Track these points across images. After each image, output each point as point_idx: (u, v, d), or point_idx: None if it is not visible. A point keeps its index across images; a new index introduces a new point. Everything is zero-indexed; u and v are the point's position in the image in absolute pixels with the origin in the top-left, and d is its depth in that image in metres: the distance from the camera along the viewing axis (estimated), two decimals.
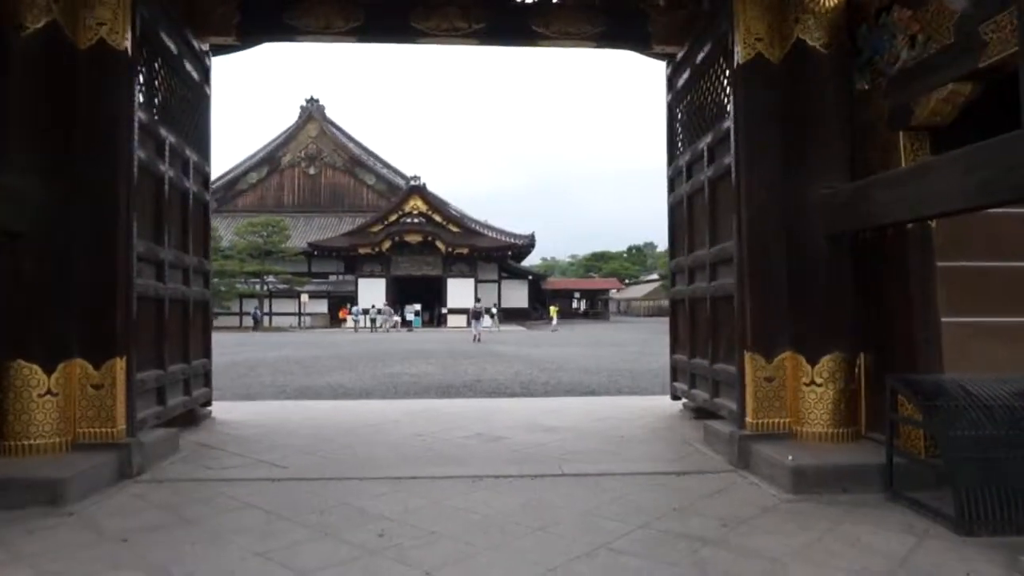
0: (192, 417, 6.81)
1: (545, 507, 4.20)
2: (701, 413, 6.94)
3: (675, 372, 7.57)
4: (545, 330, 38.63)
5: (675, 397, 7.60)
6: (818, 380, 5.01)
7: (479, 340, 26.80)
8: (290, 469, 5.14)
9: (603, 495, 4.44)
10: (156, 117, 5.81)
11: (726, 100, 5.80)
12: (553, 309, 45.93)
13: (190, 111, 6.71)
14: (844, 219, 4.91)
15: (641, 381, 11.78)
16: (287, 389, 10.92)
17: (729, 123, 5.57)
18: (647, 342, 24.80)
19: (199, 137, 6.98)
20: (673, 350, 7.60)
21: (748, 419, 5.21)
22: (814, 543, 3.56)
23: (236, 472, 5.05)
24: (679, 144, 7.38)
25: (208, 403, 7.23)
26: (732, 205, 5.55)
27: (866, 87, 5.09)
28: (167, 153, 5.92)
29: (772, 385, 5.19)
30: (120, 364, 4.95)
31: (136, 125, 5.21)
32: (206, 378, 7.14)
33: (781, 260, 5.26)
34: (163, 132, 5.86)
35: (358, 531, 3.75)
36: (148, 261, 5.53)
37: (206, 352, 7.12)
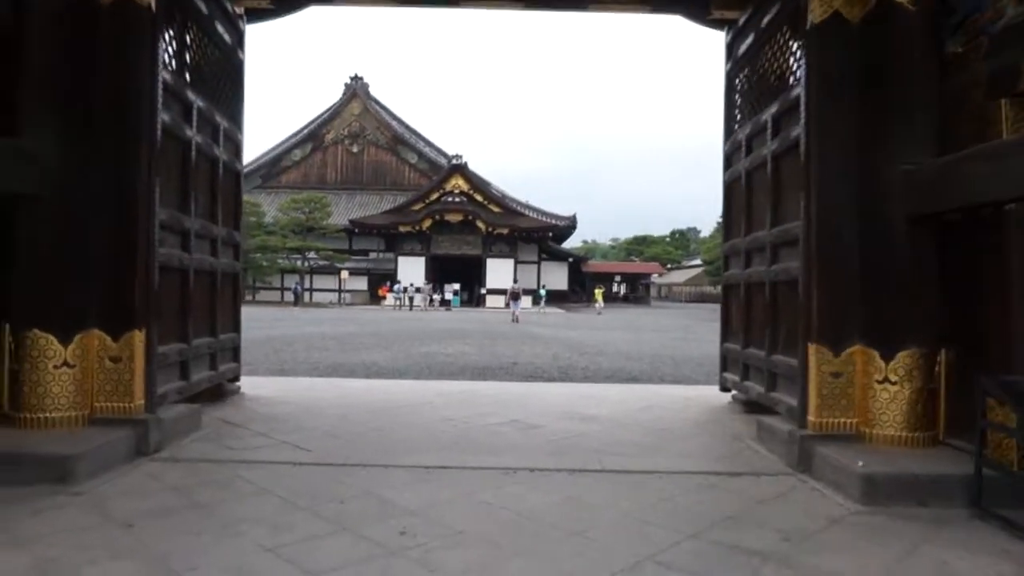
0: (219, 392, 6.62)
1: (584, 507, 3.82)
2: (753, 407, 6.47)
3: (725, 362, 7.09)
4: (585, 313, 38.17)
5: (724, 389, 7.12)
6: (892, 377, 4.49)
7: (517, 320, 27.00)
8: (314, 452, 4.87)
9: (648, 496, 4.04)
10: (184, 79, 5.54)
11: (796, 66, 5.25)
12: (598, 292, 45.40)
13: (222, 76, 6.43)
14: (930, 198, 4.36)
15: (684, 369, 11.28)
16: (320, 366, 10.75)
17: (799, 91, 5.03)
18: (689, 328, 24.15)
19: (231, 104, 6.72)
20: (724, 338, 7.11)
21: (810, 417, 4.72)
22: (893, 566, 3.10)
23: (257, 453, 4.80)
24: (738, 117, 6.84)
25: (236, 378, 7.04)
26: (799, 182, 5.03)
27: (959, 50, 4.50)
28: (195, 118, 5.64)
29: (839, 381, 4.69)
30: (139, 337, 4.71)
31: (160, 86, 4.93)
32: (235, 353, 6.94)
33: (854, 243, 4.73)
34: (191, 95, 5.59)
35: (379, 526, 3.43)
36: (172, 230, 5.29)
37: (235, 326, 6.92)
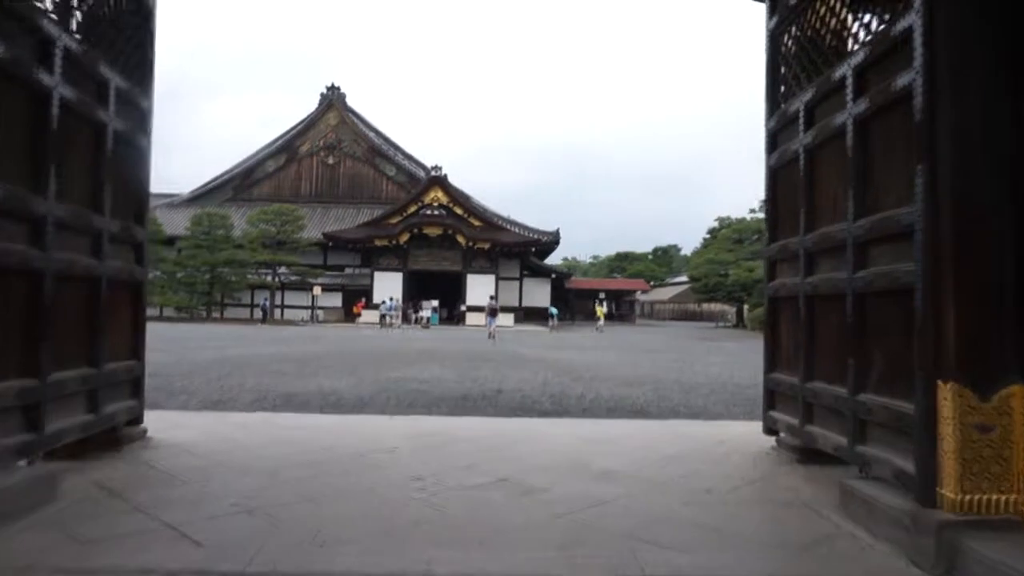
0: (114, 439, 4.97)
1: None
2: (808, 455, 4.98)
3: (772, 397, 5.55)
4: (571, 331, 36.70)
5: (771, 431, 5.57)
6: None
7: (493, 338, 26.05)
8: (205, 548, 3.21)
9: None
10: (40, 7, 3.93)
11: None
12: (600, 309, 44.44)
13: (118, 24, 4.83)
14: None
15: (696, 398, 9.74)
16: (269, 396, 9.05)
17: (911, 19, 3.54)
18: (685, 349, 22.71)
19: (133, 60, 5.12)
20: (770, 367, 5.58)
21: (946, 492, 3.19)
22: None
23: (111, 553, 3.14)
24: (787, 84, 5.37)
25: (137, 420, 5.35)
26: (908, 150, 3.55)
27: None
28: (58, 59, 4.02)
29: (989, 438, 3.17)
30: None
31: None
32: (133, 387, 5.28)
33: (1007, 234, 3.24)
34: (50, 29, 3.97)
35: None
36: (8, 215, 3.64)
37: (134, 352, 5.26)
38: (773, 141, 5.59)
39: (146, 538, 3.32)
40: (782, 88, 5.49)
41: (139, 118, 5.23)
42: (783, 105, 5.38)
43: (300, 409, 8.00)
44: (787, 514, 3.99)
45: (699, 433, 6.53)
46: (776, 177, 5.56)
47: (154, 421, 5.74)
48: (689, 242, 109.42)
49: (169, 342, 18.44)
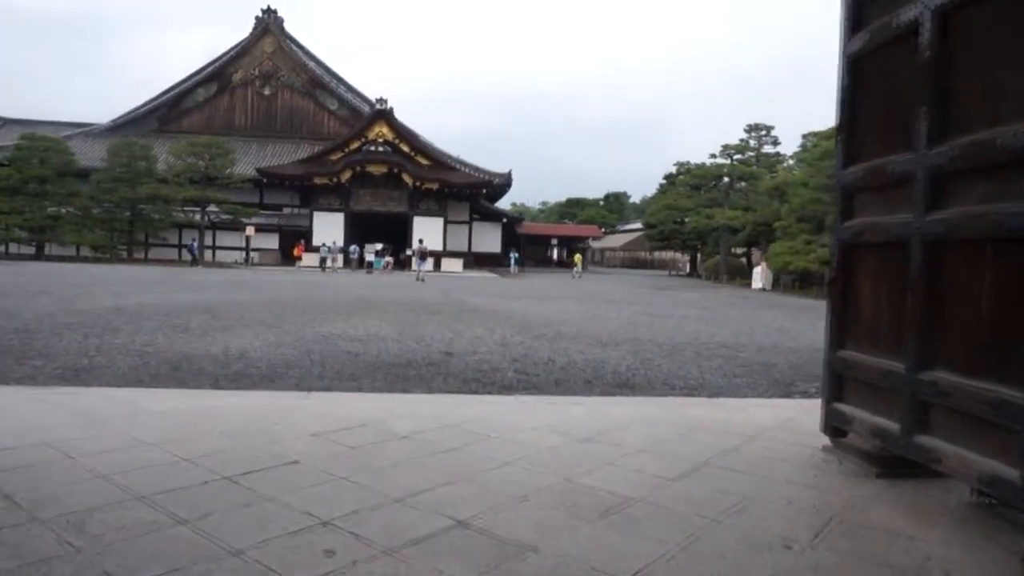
0: None
1: None
2: (887, 463, 3.47)
3: (840, 384, 3.95)
4: (521, 279, 35.22)
5: (837, 431, 4.00)
6: None
7: (423, 281, 27.06)
8: None
9: None
10: None
11: None
12: (577, 257, 43.47)
13: None
14: None
15: (683, 364, 8.22)
16: (153, 361, 7.08)
17: None
18: (646, 300, 21.38)
19: None
20: (840, 341, 3.95)
21: None
22: None
23: None
24: None
25: None
26: None
27: None
28: None
29: None
30: None
31: None
32: None
33: None
34: None
35: None
36: None
37: None
38: (857, 14, 3.84)
39: None
40: None
41: None
42: None
43: (188, 381, 6.10)
44: None
45: (714, 420, 4.96)
46: (860, 68, 3.83)
47: None
48: (637, 191, 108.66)
49: (65, 287, 16.00)
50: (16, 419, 4.28)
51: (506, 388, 6.34)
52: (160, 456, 3.62)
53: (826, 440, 4.24)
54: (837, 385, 3.97)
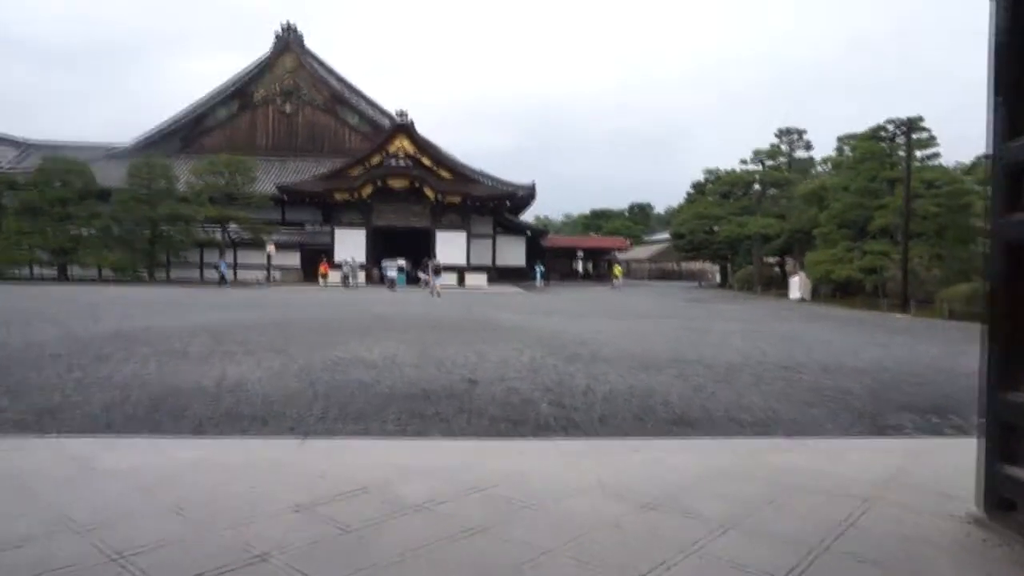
0: None
1: None
2: None
3: (1009, 437, 2.88)
4: (547, 294, 34.19)
5: (1007, 504, 2.91)
6: None
7: (438, 296, 27.47)
8: None
9: None
10: None
11: None
12: (618, 268, 42.67)
13: None
14: None
15: (742, 391, 7.11)
16: (134, 395, 6.18)
17: None
18: (682, 313, 20.20)
19: None
20: (1011, 379, 2.87)
21: None
22: None
23: None
24: None
25: None
26: None
27: None
28: None
29: None
30: None
31: None
32: None
33: None
34: None
35: None
36: None
37: None
38: None
39: None
40: None
41: None
42: None
43: (165, 424, 5.18)
44: None
45: (807, 472, 3.89)
46: None
47: None
48: (661, 201, 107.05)
49: (71, 311, 15.34)
50: None
51: (541, 428, 5.31)
52: (85, 551, 2.67)
53: (971, 506, 3.17)
54: (1005, 439, 2.88)
